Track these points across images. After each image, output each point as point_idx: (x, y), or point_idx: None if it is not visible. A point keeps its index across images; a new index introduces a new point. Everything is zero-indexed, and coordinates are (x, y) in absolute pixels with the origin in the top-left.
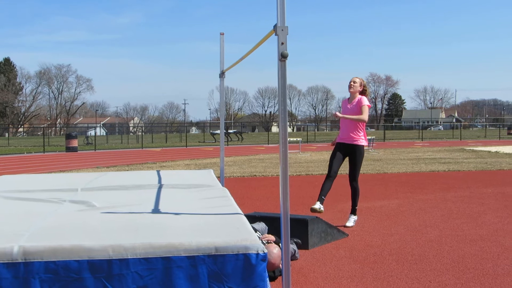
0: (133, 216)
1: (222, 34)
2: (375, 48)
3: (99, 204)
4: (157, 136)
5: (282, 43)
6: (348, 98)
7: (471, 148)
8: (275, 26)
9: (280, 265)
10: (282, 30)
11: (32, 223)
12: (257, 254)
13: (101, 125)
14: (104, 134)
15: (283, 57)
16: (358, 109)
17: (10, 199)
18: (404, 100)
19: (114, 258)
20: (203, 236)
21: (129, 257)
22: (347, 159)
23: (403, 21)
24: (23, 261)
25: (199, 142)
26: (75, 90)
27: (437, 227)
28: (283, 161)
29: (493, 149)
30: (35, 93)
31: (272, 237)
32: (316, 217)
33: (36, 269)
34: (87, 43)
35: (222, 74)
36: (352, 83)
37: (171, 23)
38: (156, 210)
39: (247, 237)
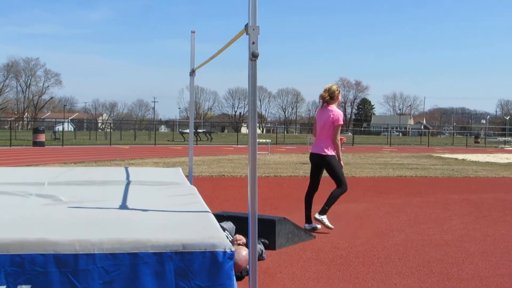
0: (100, 211)
1: (193, 32)
2: (346, 53)
3: (66, 199)
4: (126, 133)
5: (253, 43)
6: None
7: (439, 155)
8: (246, 25)
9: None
10: (253, 29)
11: None
12: (224, 252)
13: (69, 121)
14: (72, 129)
15: (253, 56)
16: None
17: None
18: (373, 105)
19: (80, 253)
20: (171, 233)
21: (96, 252)
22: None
23: (375, 27)
24: None
25: (168, 140)
26: (44, 84)
27: (403, 231)
28: (251, 160)
29: (460, 156)
30: (2, 86)
31: (243, 239)
32: (284, 218)
33: (2, 262)
34: (57, 37)
35: (192, 72)
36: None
37: (143, 21)
38: (123, 206)
39: (214, 234)
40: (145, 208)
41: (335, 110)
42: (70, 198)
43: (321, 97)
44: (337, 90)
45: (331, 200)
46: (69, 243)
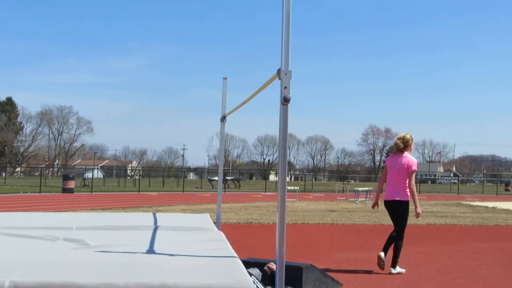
0: (127, 255)
1: (225, 78)
2: (375, 100)
3: (94, 243)
4: (155, 180)
5: (285, 87)
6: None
7: (468, 203)
8: (279, 70)
9: None
10: (286, 74)
11: (25, 259)
12: None
13: (99, 168)
14: (102, 176)
15: (285, 101)
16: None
17: (3, 235)
18: None
19: None
20: (197, 277)
21: None
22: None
23: (404, 72)
24: None
25: (196, 187)
26: (75, 131)
27: (433, 280)
28: (280, 205)
29: (490, 204)
30: (35, 133)
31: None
32: (311, 265)
33: None
34: (89, 85)
35: (223, 118)
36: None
37: (174, 68)
38: (150, 251)
39: (241, 279)
40: (172, 252)
41: (410, 157)
42: (98, 242)
43: (396, 144)
44: (411, 138)
45: (398, 251)
46: (95, 286)
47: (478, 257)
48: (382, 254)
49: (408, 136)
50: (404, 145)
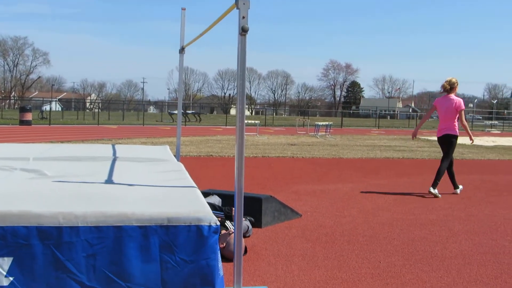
0: (85, 185)
1: (183, 9)
2: (337, 36)
3: (51, 173)
4: (114, 113)
5: (243, 17)
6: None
7: (426, 137)
8: (236, 0)
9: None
10: (244, 4)
11: None
12: (210, 226)
13: (57, 100)
14: (60, 109)
15: (243, 31)
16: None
17: None
18: (362, 88)
19: (64, 225)
20: (156, 207)
21: (80, 225)
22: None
23: (367, 9)
24: None
25: (156, 121)
26: (31, 63)
27: (389, 210)
28: (239, 137)
29: None
30: None
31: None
32: (271, 196)
33: None
34: (45, 16)
35: (182, 50)
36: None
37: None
38: (109, 181)
39: (199, 209)
40: (130, 183)
41: (456, 98)
42: (55, 173)
43: (443, 87)
44: (456, 82)
45: (440, 174)
46: (52, 216)
47: None
48: (432, 189)
49: (454, 80)
50: (450, 87)
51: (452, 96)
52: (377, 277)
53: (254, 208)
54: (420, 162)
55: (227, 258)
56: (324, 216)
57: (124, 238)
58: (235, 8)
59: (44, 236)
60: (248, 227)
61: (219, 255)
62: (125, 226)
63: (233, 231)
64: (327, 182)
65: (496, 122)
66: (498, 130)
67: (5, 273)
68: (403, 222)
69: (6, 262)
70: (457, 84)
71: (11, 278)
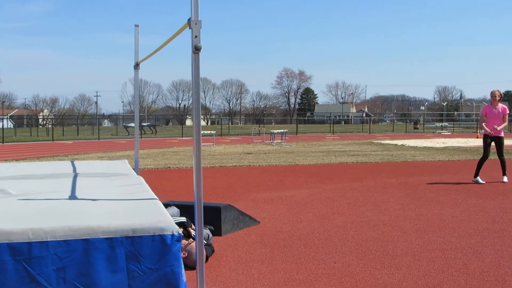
0: (51, 202)
1: (136, 26)
2: (290, 43)
3: (14, 192)
4: (68, 128)
5: (196, 37)
6: (491, 105)
7: (379, 141)
8: (189, 20)
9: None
10: (196, 24)
11: None
12: (172, 235)
13: (8, 117)
14: (12, 126)
15: (196, 49)
16: (503, 115)
17: None
18: (316, 95)
19: (33, 241)
20: (121, 219)
21: (49, 240)
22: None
23: (317, 16)
24: None
25: (112, 135)
26: None
27: (343, 214)
28: (196, 148)
29: (399, 142)
30: None
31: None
32: (229, 204)
33: None
34: None
35: (136, 66)
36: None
37: (83, 13)
38: (73, 197)
39: (162, 219)
40: (94, 197)
41: (502, 105)
42: (19, 191)
43: (493, 97)
44: (501, 93)
45: (504, 165)
46: (22, 232)
47: (385, 191)
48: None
49: (500, 91)
50: (499, 97)
51: (500, 104)
52: (333, 277)
53: (214, 216)
54: (373, 165)
55: (189, 267)
56: (281, 222)
57: (91, 250)
58: (188, 27)
59: (14, 252)
60: (208, 235)
61: (182, 262)
62: (92, 239)
63: (193, 240)
64: (284, 189)
65: (446, 124)
66: (448, 132)
67: None
68: (357, 224)
69: None
70: (501, 96)
71: None
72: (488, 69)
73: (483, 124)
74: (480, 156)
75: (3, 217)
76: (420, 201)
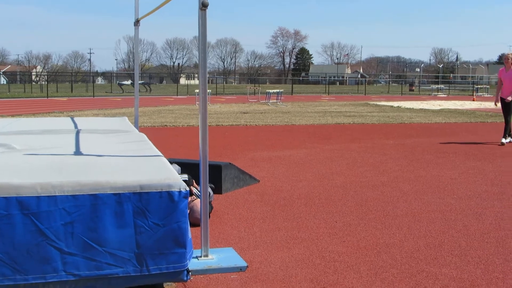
0: (57, 157)
1: None
2: (285, 1)
3: (20, 147)
4: (62, 85)
5: None
6: (505, 68)
7: (375, 102)
8: None
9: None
10: None
11: None
12: (180, 191)
13: (2, 73)
14: (5, 82)
15: (204, 6)
16: None
17: None
18: (311, 55)
19: (42, 195)
20: (128, 175)
21: (57, 194)
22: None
23: None
24: None
25: (106, 92)
26: None
27: (342, 174)
28: (202, 106)
29: (395, 104)
30: None
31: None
32: (229, 163)
33: None
34: None
35: (137, 22)
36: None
37: None
38: (78, 152)
39: (169, 175)
40: (99, 153)
41: None
42: (24, 146)
43: (506, 59)
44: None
45: (508, 128)
46: (31, 186)
47: (383, 153)
48: (503, 140)
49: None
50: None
51: None
52: (334, 235)
53: (214, 175)
54: (370, 127)
55: (191, 223)
56: (281, 181)
57: (99, 205)
58: None
59: (23, 206)
60: (210, 193)
61: (188, 219)
62: (100, 194)
63: (195, 197)
64: (282, 149)
65: (442, 86)
66: (444, 94)
67: None
68: (356, 185)
69: None
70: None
71: None
72: (484, 31)
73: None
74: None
75: (10, 172)
76: (418, 163)
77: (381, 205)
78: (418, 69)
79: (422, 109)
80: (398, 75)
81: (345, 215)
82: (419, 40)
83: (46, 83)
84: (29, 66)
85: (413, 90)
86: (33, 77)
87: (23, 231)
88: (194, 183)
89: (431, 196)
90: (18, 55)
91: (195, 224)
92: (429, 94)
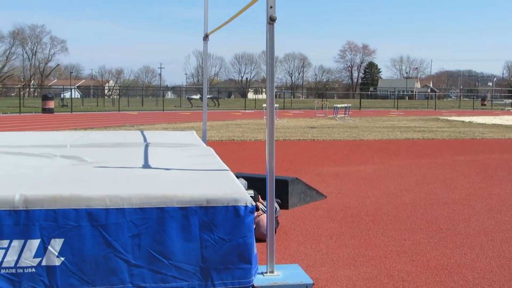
0: (126, 170)
1: None
2: (353, 16)
3: (90, 159)
4: (133, 100)
5: (271, 7)
6: None
7: (445, 118)
8: None
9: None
10: None
11: (29, 174)
12: (246, 206)
13: (76, 88)
14: (79, 96)
15: (271, 20)
16: None
17: (1, 153)
18: (380, 69)
19: (111, 207)
20: (195, 189)
21: (125, 207)
22: None
23: None
24: (24, 209)
25: (175, 106)
26: (49, 51)
27: (411, 190)
28: (270, 121)
29: (466, 119)
30: (9, 53)
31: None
32: (296, 178)
33: (37, 216)
34: (61, 2)
35: (206, 37)
36: None
37: None
38: (147, 165)
39: (236, 190)
40: (167, 167)
41: None
42: (94, 159)
43: None
44: None
45: None
46: (100, 198)
47: (454, 169)
48: None
49: None
50: None
51: None
52: (403, 254)
53: (281, 190)
54: (440, 142)
55: (257, 238)
56: (348, 197)
57: (166, 218)
58: None
59: (92, 217)
60: (276, 208)
61: (254, 234)
62: (167, 208)
63: (262, 212)
64: (350, 164)
65: None
66: None
67: (57, 254)
68: (426, 202)
69: (58, 243)
70: None
71: (62, 258)
72: None
73: None
74: None
75: (81, 183)
76: (491, 180)
77: (452, 224)
78: (490, 83)
79: (494, 124)
80: (470, 89)
81: (414, 233)
82: (491, 53)
83: (118, 97)
84: (102, 80)
85: (485, 105)
86: (106, 91)
87: (92, 243)
88: (260, 199)
89: (505, 214)
90: (92, 70)
91: (261, 239)
92: (502, 109)
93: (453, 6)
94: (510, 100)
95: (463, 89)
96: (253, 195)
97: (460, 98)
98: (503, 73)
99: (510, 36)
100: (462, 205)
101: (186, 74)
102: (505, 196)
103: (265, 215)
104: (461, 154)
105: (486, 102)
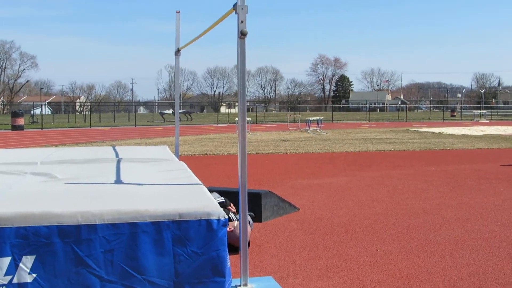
0: (97, 186)
1: (178, 12)
2: (325, 29)
3: (61, 176)
4: (105, 115)
5: (242, 21)
6: None
7: (416, 129)
8: (235, 5)
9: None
10: (242, 8)
11: None
12: (219, 219)
13: (46, 104)
14: (50, 113)
15: (242, 34)
16: None
17: None
18: (351, 82)
19: (82, 223)
20: (167, 203)
21: (97, 223)
22: None
23: (353, 2)
24: None
25: (147, 121)
26: (19, 67)
27: (383, 201)
28: (241, 135)
29: (436, 130)
30: None
31: (234, 208)
32: (269, 191)
33: (7, 234)
34: (31, 19)
35: (177, 52)
36: None
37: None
38: (118, 181)
39: (208, 204)
40: (139, 182)
41: None
42: (65, 175)
43: None
44: None
45: None
46: (71, 215)
47: (425, 179)
48: None
49: None
50: None
51: None
52: (375, 264)
53: (254, 203)
54: (411, 153)
55: (230, 244)
56: (321, 209)
57: (138, 233)
58: (233, 12)
59: (64, 234)
60: (249, 221)
61: (227, 247)
62: (140, 223)
63: (232, 220)
64: (322, 176)
65: (484, 111)
66: (486, 119)
67: (28, 270)
68: (397, 212)
69: (29, 260)
70: None
71: (34, 275)
72: None
73: None
74: None
75: (52, 200)
76: (460, 189)
77: (423, 233)
78: (459, 95)
79: (464, 135)
80: (440, 101)
81: (386, 243)
82: (460, 65)
83: (89, 113)
84: (73, 96)
85: (454, 116)
86: (77, 107)
87: (64, 259)
88: (232, 205)
89: (474, 223)
90: (62, 85)
91: (234, 244)
92: (471, 120)
93: (423, 20)
94: (479, 111)
95: (433, 100)
96: (223, 201)
97: (430, 109)
98: (471, 85)
99: (478, 48)
100: (432, 214)
101: (158, 89)
102: (474, 205)
103: (235, 222)
104: (432, 164)
105: (455, 113)
